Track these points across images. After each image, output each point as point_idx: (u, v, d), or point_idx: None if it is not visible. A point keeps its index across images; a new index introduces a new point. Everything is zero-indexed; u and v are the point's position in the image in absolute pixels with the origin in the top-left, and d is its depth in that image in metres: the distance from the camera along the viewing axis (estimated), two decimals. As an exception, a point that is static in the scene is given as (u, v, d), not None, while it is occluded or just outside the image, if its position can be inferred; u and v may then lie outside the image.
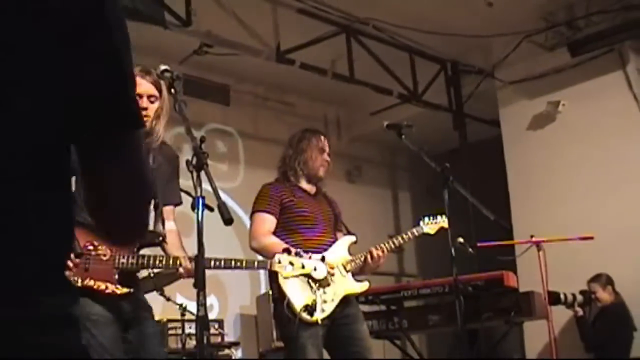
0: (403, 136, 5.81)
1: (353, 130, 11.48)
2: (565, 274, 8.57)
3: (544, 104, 10.09)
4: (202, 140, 3.97)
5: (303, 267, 5.06)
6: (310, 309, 5.50)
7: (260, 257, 5.49)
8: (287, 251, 5.07)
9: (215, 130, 10.26)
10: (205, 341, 4.01)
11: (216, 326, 8.78)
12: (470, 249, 6.19)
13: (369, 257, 5.84)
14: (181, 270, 4.44)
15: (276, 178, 6.08)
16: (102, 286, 4.05)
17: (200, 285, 3.78)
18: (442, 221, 6.20)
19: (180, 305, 7.50)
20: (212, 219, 3.79)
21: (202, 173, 3.89)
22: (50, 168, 1.46)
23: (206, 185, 3.84)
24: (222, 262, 4.65)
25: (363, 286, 5.88)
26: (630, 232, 9.24)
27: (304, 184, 5.99)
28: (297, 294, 5.58)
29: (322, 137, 6.09)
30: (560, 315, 8.74)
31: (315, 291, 5.60)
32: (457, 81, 10.92)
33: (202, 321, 3.83)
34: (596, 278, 8.87)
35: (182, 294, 8.04)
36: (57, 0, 1.44)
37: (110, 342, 4.04)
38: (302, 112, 11.22)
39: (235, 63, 9.54)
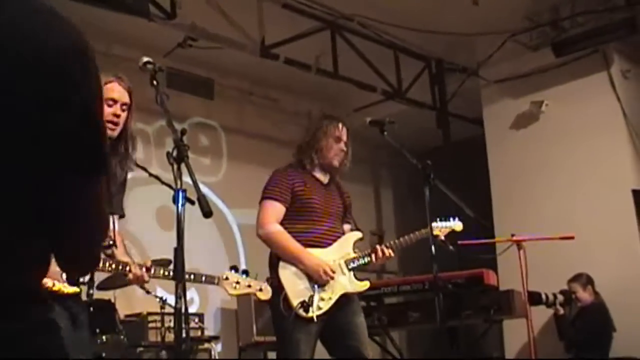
0: (385, 133, 5.81)
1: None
2: (546, 273, 8.58)
3: (527, 104, 10.12)
4: (183, 132, 3.96)
5: (249, 286, 5.06)
6: (307, 305, 5.47)
7: (206, 272, 5.38)
8: (234, 268, 5.07)
9: (199, 124, 10.25)
10: (184, 334, 4.01)
11: (196, 320, 8.78)
12: (451, 247, 6.20)
13: (373, 256, 5.77)
14: (130, 276, 4.43)
15: (290, 163, 6.00)
16: (50, 283, 3.96)
17: (179, 278, 3.78)
18: (455, 225, 6.15)
19: (160, 298, 7.49)
20: (195, 213, 3.78)
21: (183, 165, 3.87)
22: (22, 207, 1.57)
23: (187, 178, 3.83)
24: (170, 273, 4.63)
25: (363, 285, 5.81)
26: (611, 233, 9.28)
27: (317, 173, 5.93)
28: (295, 289, 5.56)
29: (340, 125, 5.98)
30: (540, 315, 8.77)
31: (313, 288, 5.58)
32: (441, 79, 10.92)
33: (180, 314, 3.82)
34: (576, 278, 8.90)
35: (163, 288, 8.03)
36: (30, 56, 1.53)
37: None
38: (286, 108, 11.21)
39: (219, 57, 9.52)
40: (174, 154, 3.87)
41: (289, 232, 5.67)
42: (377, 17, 9.41)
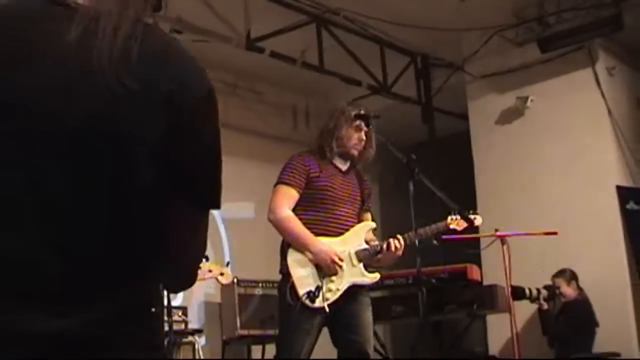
0: (370, 126, 5.79)
1: (322, 121, 11.26)
2: (529, 269, 8.62)
3: (512, 99, 10.13)
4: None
5: (210, 271, 5.05)
6: (313, 295, 5.42)
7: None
8: (205, 258, 5.04)
9: (184, 116, 10.22)
10: (168, 327, 4.01)
11: (180, 313, 8.77)
12: (435, 241, 6.20)
13: (384, 247, 5.66)
14: None
15: (310, 149, 5.94)
16: None
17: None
18: (474, 218, 6.09)
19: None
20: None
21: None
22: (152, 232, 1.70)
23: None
24: None
25: (373, 277, 5.74)
26: (595, 229, 9.32)
27: (336, 160, 5.85)
28: (302, 278, 5.52)
29: (362, 113, 5.88)
30: (524, 310, 8.79)
31: (320, 278, 5.52)
32: (426, 74, 10.93)
33: (163, 306, 3.82)
34: (560, 273, 8.92)
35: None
36: (175, 94, 1.63)
37: None
38: (271, 101, 11.20)
39: (205, 50, 9.47)
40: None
41: (301, 219, 5.61)
42: (363, 12, 9.40)
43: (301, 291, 5.46)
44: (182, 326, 8.81)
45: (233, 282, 8.99)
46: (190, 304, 9.61)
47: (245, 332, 8.99)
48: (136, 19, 1.66)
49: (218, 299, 9.63)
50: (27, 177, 1.56)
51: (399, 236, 5.68)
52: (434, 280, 7.70)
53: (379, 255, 5.72)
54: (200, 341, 9.10)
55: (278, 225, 5.64)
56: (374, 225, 5.92)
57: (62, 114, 1.57)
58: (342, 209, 5.76)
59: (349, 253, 5.67)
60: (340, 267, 5.54)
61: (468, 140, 10.65)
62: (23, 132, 1.58)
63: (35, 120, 1.57)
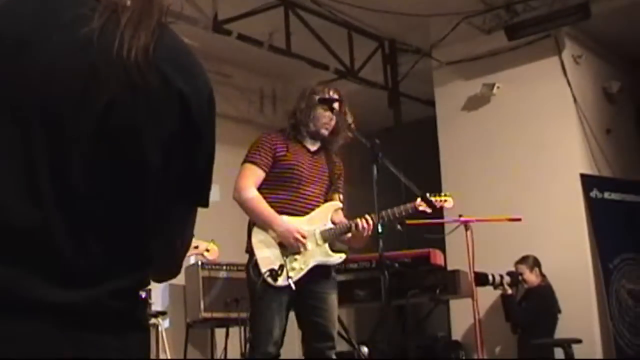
0: (334, 110, 5.80)
1: (289, 104, 11.19)
2: (493, 255, 8.67)
3: (479, 86, 10.16)
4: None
5: (196, 247, 5.07)
6: (275, 274, 5.42)
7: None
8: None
9: (150, 98, 10.16)
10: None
11: (143, 295, 8.74)
12: (399, 226, 6.21)
13: (353, 227, 5.67)
14: None
15: (281, 128, 5.96)
16: None
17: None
18: (443, 200, 6.11)
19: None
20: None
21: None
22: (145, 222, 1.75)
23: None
24: None
25: (338, 257, 5.76)
26: (558, 216, 9.38)
27: (306, 140, 5.87)
28: (265, 257, 5.54)
29: (331, 93, 5.90)
30: (487, 295, 8.85)
31: (284, 257, 5.53)
32: (394, 59, 10.92)
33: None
34: (523, 260, 8.98)
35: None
36: (187, 94, 1.70)
37: None
38: (238, 84, 11.17)
39: (172, 31, 9.43)
40: None
41: (267, 198, 5.63)
42: (331, -4, 9.40)
43: (264, 269, 5.48)
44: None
45: (197, 263, 9.00)
46: (154, 285, 9.58)
47: (209, 315, 8.99)
48: (158, 17, 1.72)
49: (182, 282, 9.61)
50: (47, 156, 1.61)
51: (367, 216, 5.68)
52: (397, 265, 7.71)
53: (348, 236, 5.76)
54: (164, 324, 9.08)
55: (243, 204, 5.67)
56: (340, 205, 5.95)
57: (81, 99, 1.61)
58: (308, 189, 5.78)
59: (314, 232, 5.69)
60: (304, 245, 5.58)
61: (434, 126, 10.68)
62: (42, 112, 1.61)
63: (55, 101, 1.61)
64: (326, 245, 5.72)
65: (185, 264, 7.90)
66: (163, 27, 1.73)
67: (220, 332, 9.57)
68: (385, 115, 10.77)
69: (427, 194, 6.00)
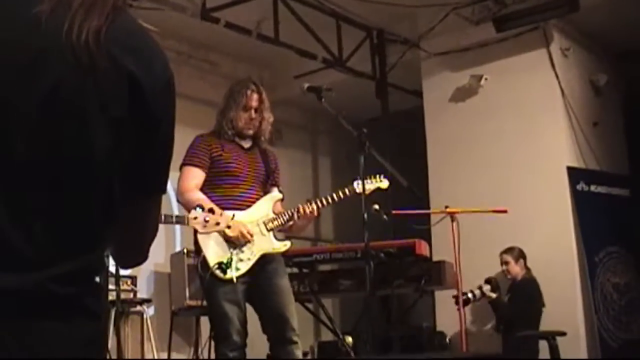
0: (323, 99, 5.81)
1: (276, 93, 11.26)
2: (478, 246, 8.68)
3: (466, 77, 10.16)
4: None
5: (218, 224, 5.07)
6: (224, 266, 5.53)
7: (178, 212, 5.47)
8: (201, 207, 5.08)
9: (137, 85, 10.11)
10: (115, 296, 4.00)
11: (129, 282, 8.74)
12: (385, 216, 6.22)
13: (295, 214, 5.80)
14: None
15: (212, 130, 6.03)
16: None
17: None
18: (379, 181, 6.10)
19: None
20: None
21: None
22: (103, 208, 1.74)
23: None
24: None
25: (283, 245, 5.86)
26: (544, 209, 9.40)
27: (237, 138, 5.93)
28: (212, 251, 5.62)
29: (249, 92, 5.92)
30: (471, 286, 8.86)
31: (230, 250, 5.62)
32: (382, 50, 10.91)
33: (108, 272, 3.81)
34: (509, 250, 9.00)
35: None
36: (142, 77, 1.69)
37: None
38: (225, 72, 11.13)
39: (159, 18, 9.39)
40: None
41: (210, 197, 5.69)
42: (320, -16, 9.38)
43: (212, 263, 5.57)
44: (131, 295, 8.78)
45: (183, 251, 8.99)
46: (139, 273, 9.56)
47: (193, 302, 8.98)
48: (115, 1, 1.70)
49: (168, 269, 9.61)
50: None
51: (308, 202, 5.86)
52: (382, 255, 7.72)
53: (291, 223, 5.87)
54: (149, 311, 9.09)
55: (186, 205, 5.74)
56: (280, 196, 6.04)
57: (28, 79, 1.60)
58: (246, 184, 5.87)
59: (258, 223, 5.77)
60: (249, 238, 5.65)
61: (421, 116, 10.68)
62: None
63: (1, 83, 1.61)
64: (270, 234, 5.84)
65: (172, 250, 7.89)
66: (119, 10, 1.71)
67: (205, 321, 9.55)
68: (372, 106, 10.76)
69: (416, 191, 6.05)
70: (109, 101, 1.64)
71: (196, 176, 5.76)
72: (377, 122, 10.48)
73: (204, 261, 5.63)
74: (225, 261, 5.56)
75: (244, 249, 5.67)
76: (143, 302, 8.83)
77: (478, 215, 8.20)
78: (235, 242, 5.65)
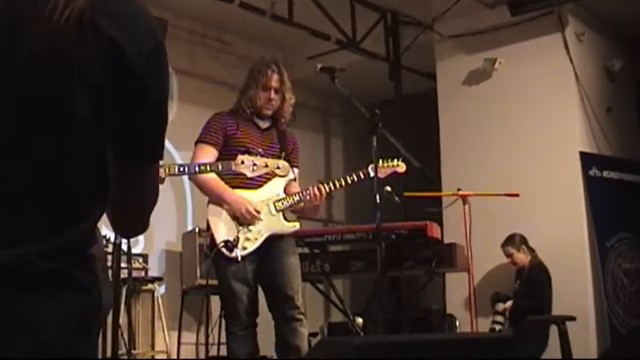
0: (336, 80, 5.81)
1: (290, 74, 11.11)
2: (490, 229, 8.69)
3: (480, 61, 10.13)
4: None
5: (266, 166, 5.07)
6: (231, 245, 5.55)
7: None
8: (247, 152, 5.11)
9: (151, 64, 10.10)
10: (127, 274, 4.02)
11: (140, 260, 8.77)
12: (397, 198, 6.22)
13: (305, 197, 5.80)
14: None
15: (231, 108, 6.07)
16: None
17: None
18: (396, 165, 6.03)
19: (104, 237, 7.44)
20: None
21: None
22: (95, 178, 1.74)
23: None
24: (187, 168, 4.80)
25: (292, 226, 5.87)
26: (556, 193, 9.38)
27: (255, 118, 5.95)
28: (220, 229, 5.66)
29: (269, 72, 5.95)
30: (481, 269, 8.86)
31: (238, 229, 5.65)
32: (395, 32, 10.90)
33: (120, 249, 3.83)
34: (509, 241, 8.94)
35: (108, 227, 7.98)
36: (128, 43, 1.67)
37: None
38: (239, 52, 11.13)
39: (174, -2, 9.43)
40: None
41: (222, 176, 5.71)
42: (335, -35, 9.36)
43: (218, 240, 5.62)
44: (142, 273, 8.81)
45: (194, 230, 9.01)
46: (151, 252, 9.60)
47: (204, 281, 8.99)
48: None
49: (179, 248, 9.64)
50: None
51: (319, 185, 5.84)
52: (393, 236, 7.73)
53: (301, 204, 5.88)
54: (160, 289, 9.12)
55: (195, 182, 5.86)
56: (292, 176, 5.96)
57: (4, 52, 1.59)
58: None
59: (267, 203, 5.79)
60: (255, 216, 5.67)
61: (434, 99, 10.66)
62: None
63: None
64: (280, 215, 5.82)
65: (184, 229, 7.90)
66: None
67: (215, 299, 9.58)
68: (385, 88, 10.75)
69: (429, 173, 6.06)
70: (89, 70, 1.62)
71: (208, 153, 5.77)
72: (390, 104, 10.47)
73: (212, 239, 5.69)
74: (232, 239, 5.58)
75: (252, 228, 5.69)
76: (154, 280, 8.86)
77: (490, 198, 8.20)
78: (241, 220, 5.67)
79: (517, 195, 8.13)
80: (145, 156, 1.83)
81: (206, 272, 8.93)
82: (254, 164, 4.99)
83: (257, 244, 5.69)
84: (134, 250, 8.15)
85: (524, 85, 9.85)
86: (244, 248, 5.61)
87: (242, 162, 4.98)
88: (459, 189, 7.82)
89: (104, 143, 1.72)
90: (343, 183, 5.92)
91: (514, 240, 8.93)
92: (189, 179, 5.88)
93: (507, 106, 9.94)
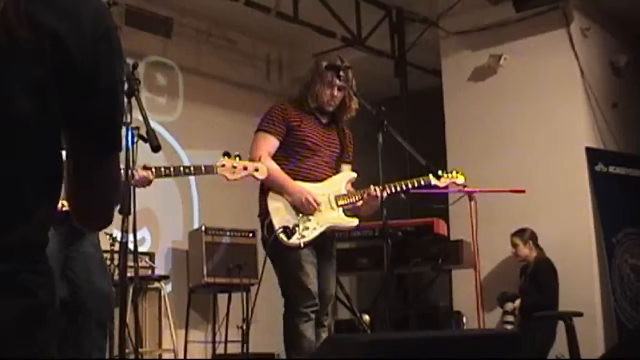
0: (341, 77, 5.82)
1: (295, 71, 11.31)
2: (496, 226, 8.68)
3: (486, 57, 10.11)
4: (135, 66, 3.95)
5: (245, 168, 5.11)
6: (289, 231, 5.55)
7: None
8: (227, 154, 5.14)
9: (156, 62, 10.13)
10: (133, 272, 4.02)
11: (147, 259, 8.78)
12: (402, 195, 6.23)
13: (365, 195, 5.81)
14: (136, 177, 4.58)
15: (294, 99, 6.09)
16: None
17: (125, 211, 3.77)
18: (455, 176, 6.18)
19: (110, 235, 7.45)
20: (147, 150, 3.78)
21: (133, 100, 3.86)
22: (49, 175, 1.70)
23: (137, 115, 3.81)
24: (172, 170, 4.82)
25: (351, 221, 5.89)
26: (562, 189, 9.37)
27: (317, 112, 5.97)
28: (280, 215, 5.68)
29: (336, 70, 5.93)
30: (488, 266, 8.85)
31: (298, 217, 5.68)
32: (401, 28, 10.89)
33: (126, 248, 3.83)
34: (519, 233, 8.96)
35: (114, 225, 7.97)
36: (73, 31, 1.63)
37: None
38: (244, 50, 11.14)
39: (179, -4, 9.44)
40: (125, 87, 3.84)
41: (281, 166, 5.75)
42: (340, -38, 9.36)
43: (277, 226, 5.60)
44: (149, 272, 8.82)
45: (201, 228, 9.01)
46: (158, 250, 9.62)
47: (211, 279, 9.03)
48: None
49: (186, 247, 9.65)
50: None
51: (380, 186, 5.74)
52: (400, 233, 7.73)
53: (360, 203, 5.87)
54: (167, 288, 9.13)
55: None
56: (354, 175, 6.07)
57: None
58: (320, 159, 5.90)
59: (329, 197, 5.81)
60: (315, 206, 5.69)
61: (440, 96, 10.65)
62: None
63: None
64: (340, 210, 5.84)
65: (190, 228, 7.90)
66: None
67: (222, 298, 9.61)
68: (391, 85, 10.76)
69: (435, 170, 6.09)
70: (29, 64, 1.58)
71: (269, 142, 5.79)
72: (396, 101, 10.47)
73: (270, 224, 5.66)
74: (290, 226, 5.59)
75: (312, 218, 5.70)
76: (161, 278, 8.87)
77: (496, 195, 8.20)
78: (302, 210, 5.69)
79: (523, 191, 8.12)
80: (101, 147, 1.78)
81: (213, 270, 9.00)
82: (233, 167, 5.06)
83: (315, 233, 5.69)
84: (141, 249, 8.16)
85: (530, 81, 9.84)
86: (302, 236, 5.62)
87: (223, 165, 5.04)
88: (464, 186, 7.82)
89: (52, 137, 1.68)
90: (404, 187, 5.95)
91: (523, 234, 8.93)
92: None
93: (512, 102, 9.92)
